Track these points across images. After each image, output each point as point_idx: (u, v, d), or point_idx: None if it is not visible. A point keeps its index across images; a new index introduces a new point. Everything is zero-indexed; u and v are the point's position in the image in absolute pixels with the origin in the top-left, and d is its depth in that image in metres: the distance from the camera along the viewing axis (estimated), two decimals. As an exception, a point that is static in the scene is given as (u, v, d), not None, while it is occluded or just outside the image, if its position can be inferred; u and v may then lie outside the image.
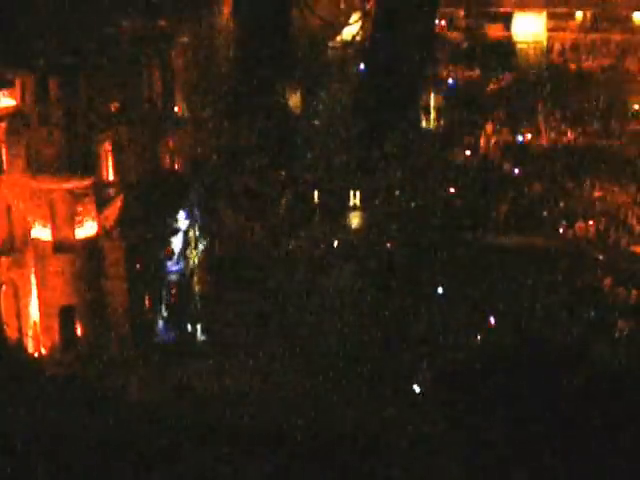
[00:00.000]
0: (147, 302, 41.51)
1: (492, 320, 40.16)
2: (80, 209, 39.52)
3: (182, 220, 43.30)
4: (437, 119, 54.88)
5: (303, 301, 41.80)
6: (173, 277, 42.67)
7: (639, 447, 31.23)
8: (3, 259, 40.03)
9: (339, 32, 53.75)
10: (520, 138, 53.26)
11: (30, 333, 40.29)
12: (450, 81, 56.26)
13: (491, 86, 56.74)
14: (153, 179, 43.77)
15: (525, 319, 40.55)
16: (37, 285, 40.04)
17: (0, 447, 32.14)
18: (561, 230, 47.54)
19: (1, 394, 35.06)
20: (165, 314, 42.41)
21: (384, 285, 42.88)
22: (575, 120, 55.02)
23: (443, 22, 60.28)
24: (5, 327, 40.00)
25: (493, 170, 51.12)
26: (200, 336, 41.40)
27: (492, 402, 33.32)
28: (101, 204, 40.36)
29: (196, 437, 32.73)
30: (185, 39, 47.18)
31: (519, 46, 59.56)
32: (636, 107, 55.80)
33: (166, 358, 38.61)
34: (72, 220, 39.49)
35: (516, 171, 51.43)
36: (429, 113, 54.85)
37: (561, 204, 49.00)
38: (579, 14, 61.13)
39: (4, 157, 39.83)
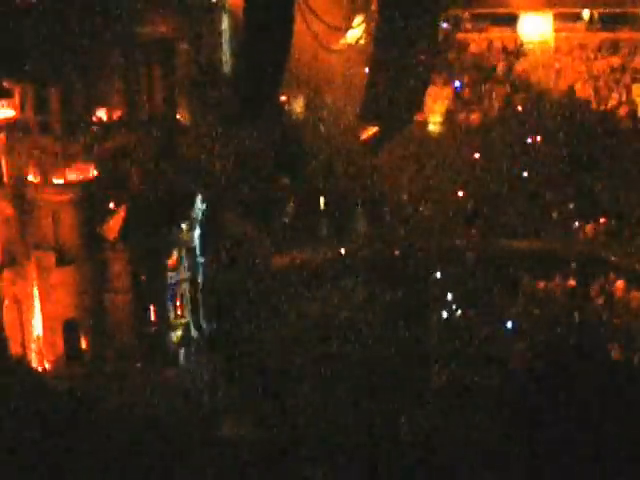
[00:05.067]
0: (152, 314, 40.83)
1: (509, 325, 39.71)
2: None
3: (187, 230, 42.49)
4: (443, 122, 54.36)
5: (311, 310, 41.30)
6: (178, 288, 41.94)
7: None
8: (5, 273, 39.47)
9: (343, 36, 53.04)
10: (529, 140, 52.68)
11: (34, 347, 39.72)
12: (457, 83, 55.69)
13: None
14: (157, 188, 43.13)
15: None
16: (40, 299, 39.42)
17: (1, 461, 31.49)
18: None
19: (4, 409, 34.39)
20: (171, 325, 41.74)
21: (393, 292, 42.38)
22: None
23: (446, 24, 59.60)
24: (9, 341, 39.41)
25: (503, 172, 50.61)
26: (207, 348, 40.77)
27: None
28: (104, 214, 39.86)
29: (200, 448, 32.16)
30: (186, 46, 46.77)
31: (526, 47, 58.86)
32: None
33: (171, 370, 38.09)
34: (75, 231, 38.98)
35: (525, 174, 50.90)
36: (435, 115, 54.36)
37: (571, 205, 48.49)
38: (586, 13, 60.32)
39: (4, 168, 39.33)
